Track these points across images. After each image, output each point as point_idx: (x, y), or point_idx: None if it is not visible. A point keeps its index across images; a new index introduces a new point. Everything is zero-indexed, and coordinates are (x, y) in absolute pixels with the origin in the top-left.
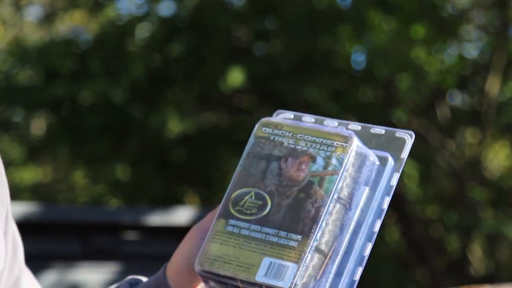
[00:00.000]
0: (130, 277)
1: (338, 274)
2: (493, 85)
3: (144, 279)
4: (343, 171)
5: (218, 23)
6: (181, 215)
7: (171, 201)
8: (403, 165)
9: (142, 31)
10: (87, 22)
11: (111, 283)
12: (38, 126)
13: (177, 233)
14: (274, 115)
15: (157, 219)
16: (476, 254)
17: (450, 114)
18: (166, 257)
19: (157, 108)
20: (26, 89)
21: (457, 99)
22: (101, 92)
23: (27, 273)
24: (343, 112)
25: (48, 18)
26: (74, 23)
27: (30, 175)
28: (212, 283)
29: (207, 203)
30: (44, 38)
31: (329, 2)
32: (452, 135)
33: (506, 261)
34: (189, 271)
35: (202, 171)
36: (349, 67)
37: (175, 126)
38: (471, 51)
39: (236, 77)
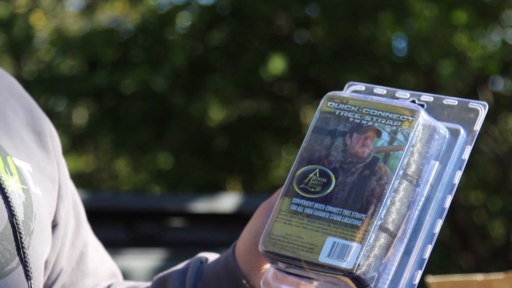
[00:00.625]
0: (200, 254)
1: (407, 252)
2: None
3: (215, 256)
4: (408, 146)
5: (259, 10)
6: (225, 202)
7: (213, 188)
8: (475, 138)
9: (183, 20)
10: (127, 12)
11: (157, 269)
12: (81, 115)
13: (222, 219)
14: (346, 87)
15: (201, 205)
16: None
17: (492, 100)
18: (211, 244)
19: (198, 96)
20: (69, 78)
21: (500, 84)
22: (143, 80)
23: (93, 247)
24: None
25: (89, 8)
26: (115, 13)
27: (73, 164)
28: (277, 264)
29: (249, 190)
30: (85, 28)
31: None
32: (495, 121)
33: None
34: (256, 250)
35: (243, 158)
36: (390, 54)
37: (216, 114)
38: None
39: (277, 64)
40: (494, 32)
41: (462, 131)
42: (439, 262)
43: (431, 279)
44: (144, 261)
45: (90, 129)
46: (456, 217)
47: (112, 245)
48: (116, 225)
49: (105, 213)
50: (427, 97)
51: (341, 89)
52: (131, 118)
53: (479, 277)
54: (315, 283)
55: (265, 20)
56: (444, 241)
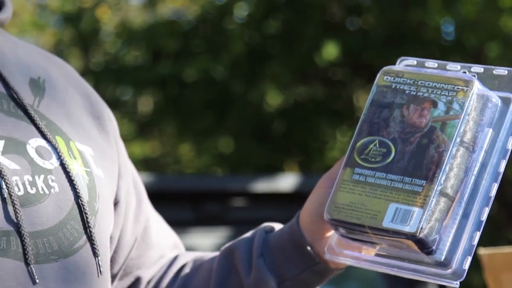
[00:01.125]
0: (265, 224)
1: (465, 215)
2: None
3: (279, 226)
4: (464, 115)
5: None
6: (285, 182)
7: (271, 170)
8: None
9: (240, 10)
10: (188, 4)
11: (220, 247)
12: (146, 103)
13: (282, 199)
14: (398, 62)
15: (262, 186)
16: None
17: None
18: (271, 221)
19: (256, 83)
20: (134, 68)
21: None
22: (204, 69)
23: (156, 222)
24: None
25: (151, 1)
26: (176, 6)
27: (139, 149)
28: (341, 230)
29: (305, 171)
30: (148, 20)
31: None
32: None
33: None
34: (320, 219)
35: (300, 141)
36: (439, 38)
37: (273, 99)
38: None
39: (331, 50)
40: None
41: None
42: (487, 236)
43: (482, 251)
44: (208, 239)
45: (155, 116)
46: (503, 191)
47: (178, 225)
48: (181, 206)
49: (172, 195)
50: (477, 69)
51: None
52: (194, 105)
53: None
54: (377, 247)
55: (319, 8)
56: (492, 215)
